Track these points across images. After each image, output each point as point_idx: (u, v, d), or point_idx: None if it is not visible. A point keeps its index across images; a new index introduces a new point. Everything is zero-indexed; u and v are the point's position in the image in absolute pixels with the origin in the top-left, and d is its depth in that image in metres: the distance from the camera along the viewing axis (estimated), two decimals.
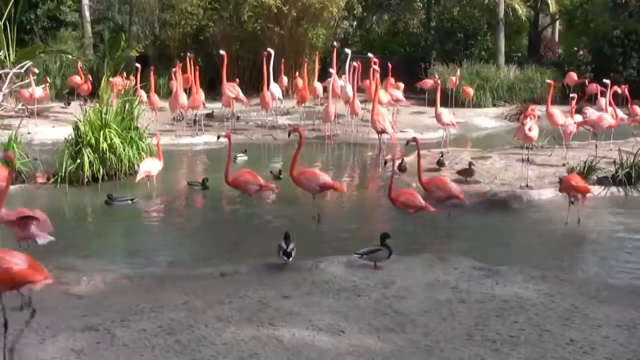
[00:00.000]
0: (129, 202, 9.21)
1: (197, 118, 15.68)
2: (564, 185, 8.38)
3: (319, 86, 16.93)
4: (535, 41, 27.49)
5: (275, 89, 16.29)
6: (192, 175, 11.12)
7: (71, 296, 5.57)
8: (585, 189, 8.16)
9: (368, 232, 8.07)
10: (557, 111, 12.53)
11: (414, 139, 9.04)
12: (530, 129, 10.08)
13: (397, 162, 10.37)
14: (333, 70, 15.66)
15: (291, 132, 9.65)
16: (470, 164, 10.41)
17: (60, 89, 19.97)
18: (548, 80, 14.53)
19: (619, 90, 15.34)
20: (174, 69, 15.46)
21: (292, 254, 6.25)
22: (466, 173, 10.13)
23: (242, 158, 12.66)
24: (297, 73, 18.08)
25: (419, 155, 8.78)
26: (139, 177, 9.87)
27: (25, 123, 13.66)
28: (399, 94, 16.37)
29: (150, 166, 9.98)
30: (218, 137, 9.85)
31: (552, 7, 24.56)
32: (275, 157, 13.83)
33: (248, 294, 5.61)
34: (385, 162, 8.34)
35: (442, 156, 11.29)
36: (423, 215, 8.73)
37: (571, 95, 12.79)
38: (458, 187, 8.45)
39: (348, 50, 16.26)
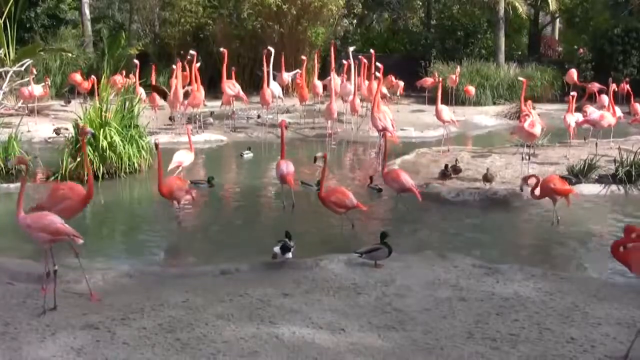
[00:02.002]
0: None
1: (202, 118, 15.66)
2: (542, 188, 8.09)
3: (318, 84, 16.94)
4: (536, 39, 27.47)
5: (275, 87, 16.27)
6: (194, 173, 11.10)
7: (71, 294, 5.57)
8: (565, 191, 8.05)
9: (366, 229, 8.09)
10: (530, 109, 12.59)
11: (385, 132, 9.26)
12: (532, 126, 10.08)
13: (452, 164, 10.30)
14: (332, 68, 15.68)
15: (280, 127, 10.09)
16: (487, 170, 10.13)
17: (60, 87, 19.96)
18: (520, 78, 14.58)
19: (616, 88, 15.33)
20: (174, 66, 15.45)
21: (292, 250, 6.27)
22: (485, 179, 9.90)
23: (248, 155, 12.75)
24: (298, 71, 18.04)
25: (385, 149, 9.11)
26: (171, 166, 9.92)
27: (26, 121, 13.65)
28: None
29: (183, 157, 10.07)
30: (156, 146, 9.47)
31: (552, 6, 24.53)
32: (277, 154, 13.79)
33: (248, 292, 5.61)
34: (315, 159, 8.20)
35: (457, 162, 10.71)
36: (422, 213, 8.76)
37: (571, 93, 12.78)
38: (412, 180, 8.66)
39: (350, 48, 16.23)
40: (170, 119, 15.87)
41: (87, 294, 5.56)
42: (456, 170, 10.32)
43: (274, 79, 16.77)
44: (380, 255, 6.30)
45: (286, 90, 18.90)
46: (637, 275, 4.92)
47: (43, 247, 5.35)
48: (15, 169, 10.17)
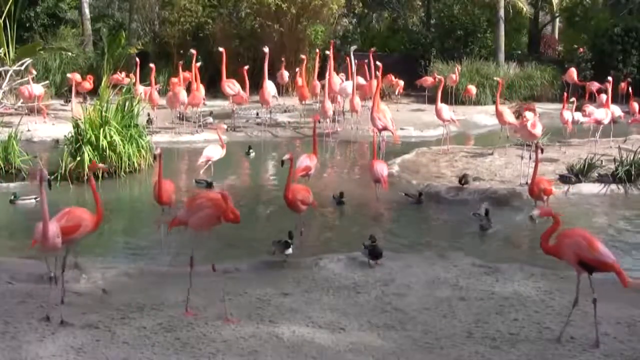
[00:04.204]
0: (34, 201, 8.86)
1: (202, 117, 15.64)
2: (535, 190, 8.17)
3: (318, 84, 16.92)
4: (535, 38, 27.43)
5: (270, 86, 16.19)
6: (194, 172, 11.09)
7: (71, 293, 5.56)
8: (550, 191, 8.23)
9: (366, 228, 8.08)
10: (506, 109, 12.65)
11: (374, 130, 10.11)
12: (534, 126, 10.12)
13: (462, 176, 9.99)
14: (331, 67, 15.65)
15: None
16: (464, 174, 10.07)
17: (60, 87, 19.95)
18: (497, 78, 14.58)
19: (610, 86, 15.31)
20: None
21: (291, 247, 6.32)
22: (460, 181, 9.69)
23: (253, 154, 12.97)
24: (297, 70, 18.02)
25: (374, 144, 9.77)
26: (200, 160, 10.17)
27: (26, 120, 13.65)
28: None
29: (212, 152, 10.25)
30: (154, 156, 9.20)
31: (555, 7, 24.54)
32: (277, 153, 13.78)
33: (248, 292, 5.62)
34: (282, 163, 8.03)
35: (467, 176, 10.24)
36: (422, 212, 8.76)
37: (572, 97, 12.76)
38: (381, 173, 8.89)
39: (352, 47, 16.21)
40: (148, 121, 15.71)
41: (86, 293, 5.55)
42: (467, 181, 10.11)
43: (272, 77, 16.75)
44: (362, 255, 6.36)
45: (286, 89, 18.85)
46: (569, 262, 4.78)
47: (59, 253, 5.23)
48: (17, 168, 10.20)
